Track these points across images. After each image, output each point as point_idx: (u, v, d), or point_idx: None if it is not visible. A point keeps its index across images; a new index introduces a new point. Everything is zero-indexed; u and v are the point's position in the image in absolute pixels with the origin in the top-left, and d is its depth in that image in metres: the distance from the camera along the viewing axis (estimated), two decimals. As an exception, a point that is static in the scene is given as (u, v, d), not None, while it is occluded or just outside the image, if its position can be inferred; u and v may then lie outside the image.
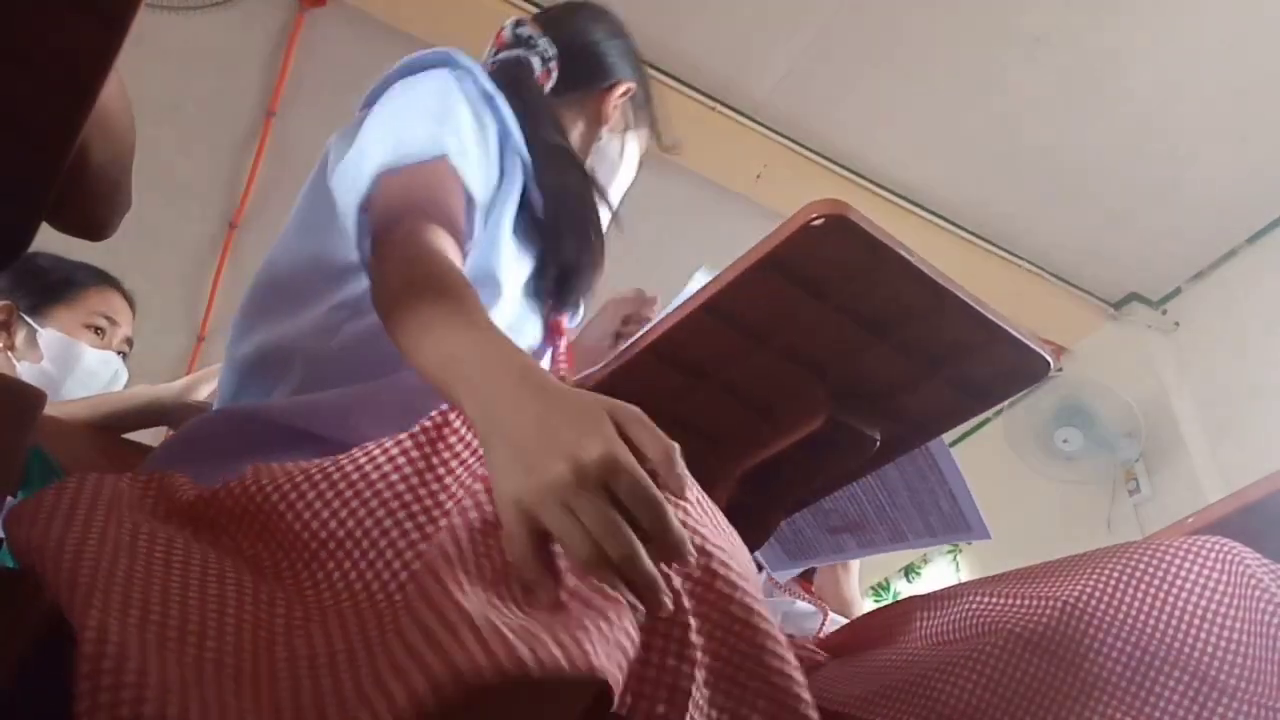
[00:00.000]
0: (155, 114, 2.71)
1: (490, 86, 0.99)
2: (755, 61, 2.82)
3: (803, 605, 1.56)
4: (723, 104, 2.89)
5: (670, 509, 0.51)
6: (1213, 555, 0.77)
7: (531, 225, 1.00)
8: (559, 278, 1.00)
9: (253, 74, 2.82)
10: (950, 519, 1.02)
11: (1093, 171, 3.07)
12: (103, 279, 1.68)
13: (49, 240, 0.87)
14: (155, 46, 2.63)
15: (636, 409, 0.56)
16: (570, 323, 1.06)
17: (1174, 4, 2.62)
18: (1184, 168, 3.03)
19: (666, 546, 0.50)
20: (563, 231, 0.99)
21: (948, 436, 1.01)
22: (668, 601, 0.50)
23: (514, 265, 0.97)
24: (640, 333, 0.87)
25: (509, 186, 0.96)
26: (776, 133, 2.96)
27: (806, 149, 3.00)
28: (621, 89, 1.12)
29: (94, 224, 0.85)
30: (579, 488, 0.51)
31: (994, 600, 0.83)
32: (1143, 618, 0.74)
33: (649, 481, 0.52)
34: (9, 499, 0.69)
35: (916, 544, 1.08)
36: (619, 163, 1.12)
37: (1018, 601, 0.80)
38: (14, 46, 0.59)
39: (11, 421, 0.65)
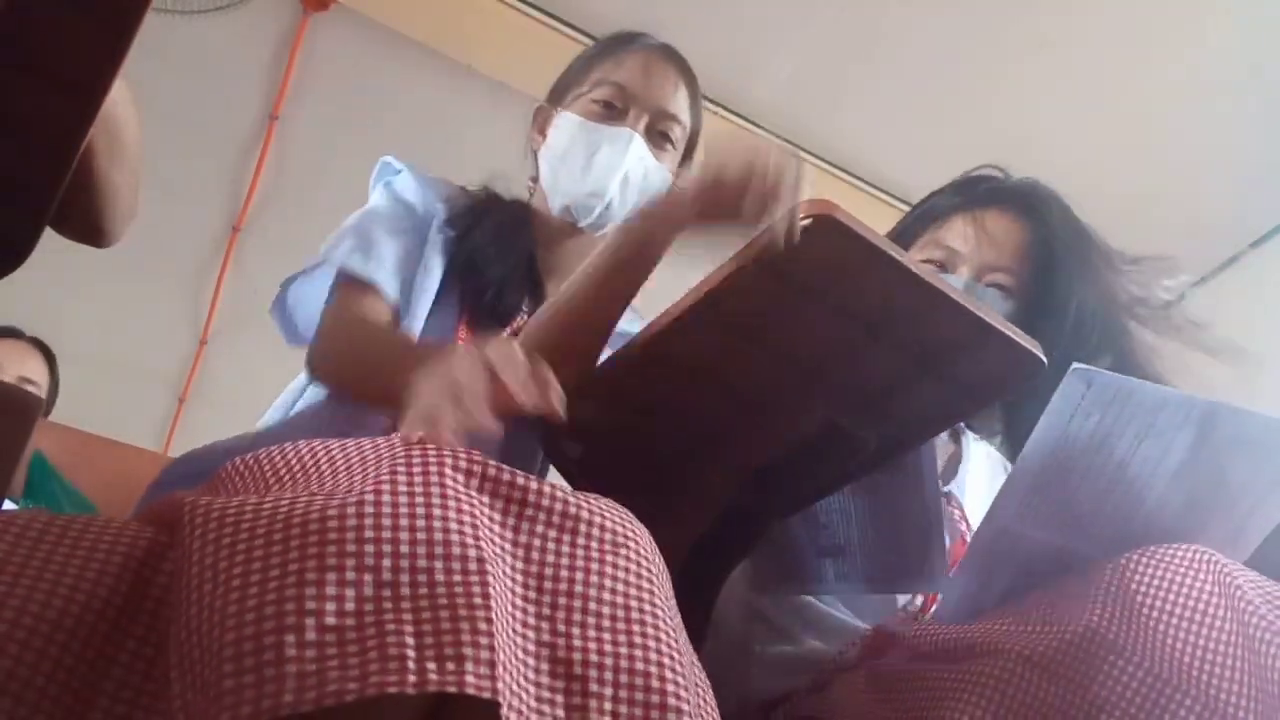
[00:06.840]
0: (158, 117, 2.70)
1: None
2: (757, 66, 2.82)
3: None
4: (724, 108, 2.89)
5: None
6: (1199, 567, 0.76)
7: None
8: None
9: (256, 78, 2.82)
10: (909, 561, 0.93)
11: (1095, 177, 3.06)
12: None
13: (51, 244, 0.88)
14: (158, 49, 2.64)
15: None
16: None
17: (1178, 8, 2.63)
18: (1187, 173, 3.03)
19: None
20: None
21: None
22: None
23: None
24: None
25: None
26: (778, 138, 2.96)
27: (809, 154, 3.00)
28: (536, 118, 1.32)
29: (99, 231, 0.86)
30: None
31: (990, 625, 0.81)
32: (1142, 639, 0.73)
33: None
34: (9, 503, 0.70)
35: (868, 589, 1.00)
36: (563, 142, 1.27)
37: (1016, 627, 0.79)
38: (20, 51, 0.60)
39: (10, 425, 0.66)
